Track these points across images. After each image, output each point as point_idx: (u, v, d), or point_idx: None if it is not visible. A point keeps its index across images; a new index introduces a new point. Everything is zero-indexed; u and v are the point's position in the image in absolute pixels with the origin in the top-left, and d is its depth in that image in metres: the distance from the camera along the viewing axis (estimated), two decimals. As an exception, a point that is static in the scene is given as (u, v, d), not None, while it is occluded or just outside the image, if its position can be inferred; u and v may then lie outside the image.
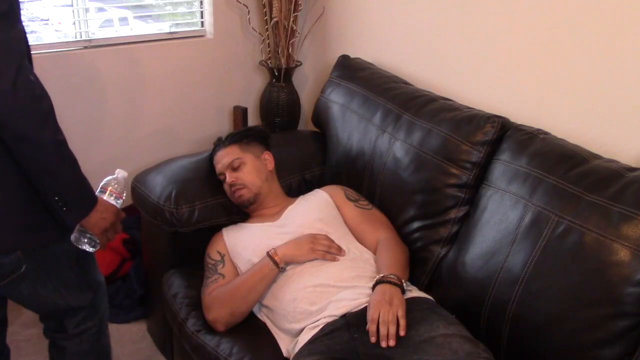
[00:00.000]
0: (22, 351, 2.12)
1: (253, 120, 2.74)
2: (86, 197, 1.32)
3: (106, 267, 2.29)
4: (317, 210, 1.82)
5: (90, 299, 1.54)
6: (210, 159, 1.94)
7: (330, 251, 1.64)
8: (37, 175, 1.25)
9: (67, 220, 1.31)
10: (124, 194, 1.46)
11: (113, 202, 1.41)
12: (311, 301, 1.54)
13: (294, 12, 2.43)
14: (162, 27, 2.52)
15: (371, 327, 1.41)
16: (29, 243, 1.33)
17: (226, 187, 1.86)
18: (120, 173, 1.47)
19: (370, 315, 1.43)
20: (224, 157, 1.86)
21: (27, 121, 1.17)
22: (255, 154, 1.90)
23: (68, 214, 1.30)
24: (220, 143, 1.93)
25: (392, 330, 1.39)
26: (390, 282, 1.51)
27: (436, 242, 1.74)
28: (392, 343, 1.38)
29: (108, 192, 1.41)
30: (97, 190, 1.42)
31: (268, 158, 1.93)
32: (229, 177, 1.83)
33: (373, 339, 1.40)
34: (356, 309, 1.50)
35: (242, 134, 1.93)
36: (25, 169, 1.24)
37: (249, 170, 1.84)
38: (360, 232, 1.78)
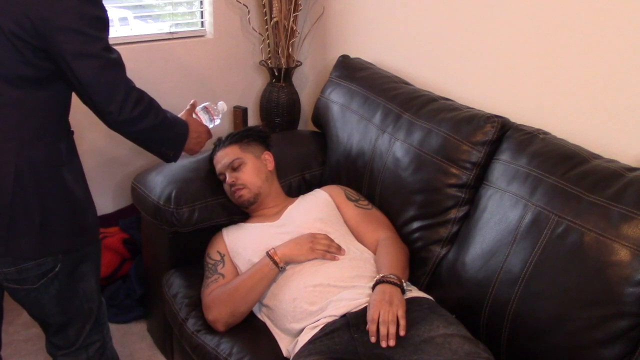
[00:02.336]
0: (22, 351, 2.12)
1: (253, 120, 2.74)
2: (181, 137, 1.53)
3: (106, 267, 2.29)
4: (317, 210, 1.81)
5: (97, 309, 1.56)
6: (211, 159, 1.94)
7: (330, 250, 1.64)
8: (142, 144, 1.47)
9: (173, 160, 1.55)
10: (219, 120, 1.71)
11: (207, 122, 1.67)
12: (311, 301, 1.54)
13: (294, 12, 2.43)
14: (162, 27, 2.51)
15: (371, 327, 1.41)
16: (70, 246, 1.41)
17: (226, 187, 1.86)
18: (221, 104, 1.73)
19: (370, 315, 1.43)
20: (224, 157, 1.86)
21: (129, 131, 1.39)
22: (255, 154, 1.89)
23: (174, 157, 1.54)
24: (220, 143, 1.92)
25: (392, 330, 1.39)
26: (390, 282, 1.51)
27: (436, 242, 1.74)
28: (392, 343, 1.38)
29: (207, 111, 1.68)
30: (200, 107, 1.68)
31: (268, 158, 1.92)
32: (229, 178, 1.83)
33: (373, 339, 1.40)
34: (356, 309, 1.50)
35: (242, 134, 1.93)
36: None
37: (248, 170, 1.84)
38: (360, 232, 1.78)
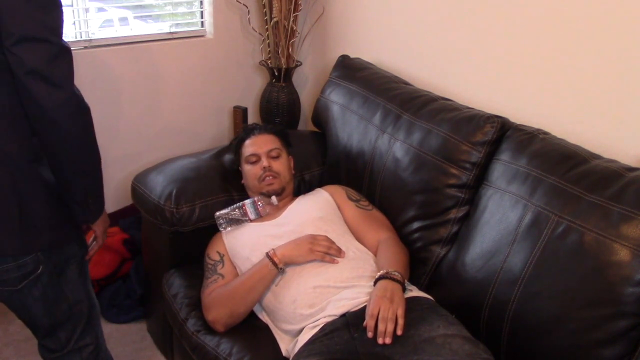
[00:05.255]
0: (22, 351, 2.12)
1: (253, 120, 2.74)
2: (102, 197, 1.46)
3: (106, 267, 2.29)
4: (317, 208, 1.82)
5: (87, 311, 1.54)
6: (239, 141, 1.94)
7: (330, 252, 1.63)
8: (75, 175, 1.35)
9: (90, 218, 1.46)
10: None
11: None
12: (311, 303, 1.54)
13: (294, 12, 2.43)
14: (162, 27, 2.52)
15: (370, 322, 1.41)
16: (50, 243, 1.38)
17: (256, 169, 1.87)
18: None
19: (370, 310, 1.43)
20: (266, 142, 1.89)
21: (74, 131, 1.28)
22: (287, 153, 1.95)
23: (92, 212, 1.45)
24: (259, 127, 1.96)
25: (390, 328, 1.39)
26: (392, 279, 1.50)
27: (436, 242, 1.74)
28: (387, 341, 1.38)
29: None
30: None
31: (291, 161, 1.97)
32: (267, 162, 1.85)
33: (370, 334, 1.40)
34: (356, 308, 1.50)
35: (281, 130, 1.99)
36: (64, 170, 1.33)
37: (284, 163, 1.89)
38: (361, 232, 1.78)
